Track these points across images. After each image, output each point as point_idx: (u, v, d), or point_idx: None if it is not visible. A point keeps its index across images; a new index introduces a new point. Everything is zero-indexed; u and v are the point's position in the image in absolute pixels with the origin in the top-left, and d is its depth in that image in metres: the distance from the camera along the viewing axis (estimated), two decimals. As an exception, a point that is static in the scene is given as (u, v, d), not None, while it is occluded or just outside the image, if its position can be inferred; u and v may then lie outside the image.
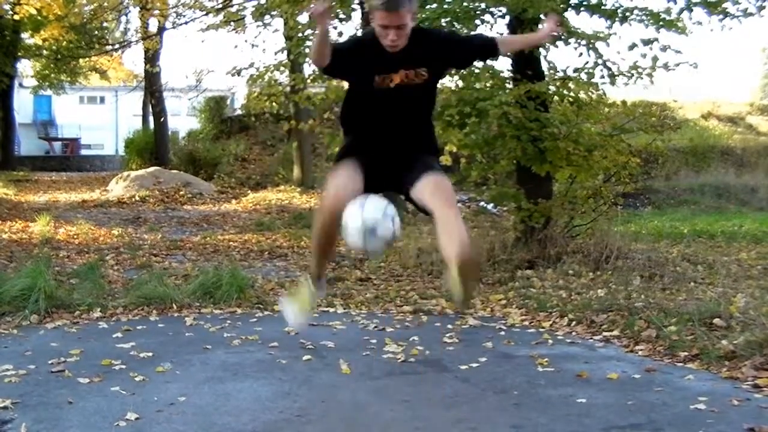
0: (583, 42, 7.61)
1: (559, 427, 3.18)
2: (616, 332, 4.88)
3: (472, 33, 3.65)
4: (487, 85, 7.59)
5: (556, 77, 7.89)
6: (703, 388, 3.70)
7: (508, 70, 7.97)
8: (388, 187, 3.39)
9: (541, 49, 7.73)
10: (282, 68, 9.52)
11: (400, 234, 3.10)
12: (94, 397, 3.54)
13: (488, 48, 3.55)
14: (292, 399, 3.57)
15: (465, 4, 7.57)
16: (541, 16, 7.44)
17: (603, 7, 7.79)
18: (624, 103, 8.28)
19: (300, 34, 8.56)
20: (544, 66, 7.93)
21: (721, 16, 7.70)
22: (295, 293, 3.59)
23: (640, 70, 7.55)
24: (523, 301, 5.95)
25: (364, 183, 3.28)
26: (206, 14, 17.28)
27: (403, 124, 3.38)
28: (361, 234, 3.06)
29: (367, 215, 3.05)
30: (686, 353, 4.27)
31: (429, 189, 3.18)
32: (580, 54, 7.74)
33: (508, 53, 3.59)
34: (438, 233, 3.14)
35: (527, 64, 7.70)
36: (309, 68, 9.35)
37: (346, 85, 3.65)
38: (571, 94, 7.81)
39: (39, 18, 19.14)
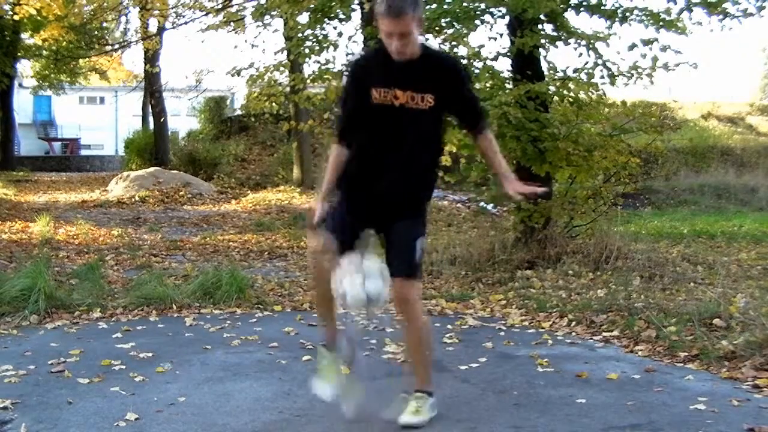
0: (583, 42, 7.61)
1: (558, 428, 3.17)
2: (615, 332, 4.88)
3: (479, 103, 3.46)
4: (487, 85, 7.58)
5: (556, 77, 7.89)
6: (702, 388, 3.70)
7: (508, 71, 7.97)
8: (369, 225, 3.24)
9: (540, 50, 7.74)
10: (282, 68, 9.52)
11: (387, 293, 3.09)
12: (94, 398, 3.54)
13: (474, 129, 3.35)
14: (292, 399, 3.57)
15: (465, 4, 7.57)
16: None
17: (603, 7, 7.78)
18: (624, 103, 8.28)
19: (300, 34, 8.56)
20: (544, 66, 7.93)
21: (721, 17, 7.69)
22: (319, 369, 3.39)
23: (640, 70, 7.55)
24: (522, 302, 5.94)
25: (350, 225, 3.20)
26: (206, 14, 17.32)
27: (402, 155, 3.17)
28: (364, 303, 3.04)
29: (370, 287, 3.00)
30: (686, 353, 4.27)
31: (396, 294, 3.14)
32: (580, 54, 7.75)
33: (479, 149, 3.47)
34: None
35: (527, 64, 7.70)
36: (309, 68, 9.36)
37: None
38: (571, 94, 7.81)
39: (39, 18, 19.14)
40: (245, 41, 32.33)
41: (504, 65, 8.14)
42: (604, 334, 4.91)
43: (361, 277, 3.00)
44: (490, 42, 9.75)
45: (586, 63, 7.64)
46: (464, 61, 7.66)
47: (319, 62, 8.56)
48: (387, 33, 3.04)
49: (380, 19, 3.02)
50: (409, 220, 3.23)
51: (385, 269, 3.08)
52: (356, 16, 9.21)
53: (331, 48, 8.45)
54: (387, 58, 3.13)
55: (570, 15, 7.83)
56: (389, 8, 2.98)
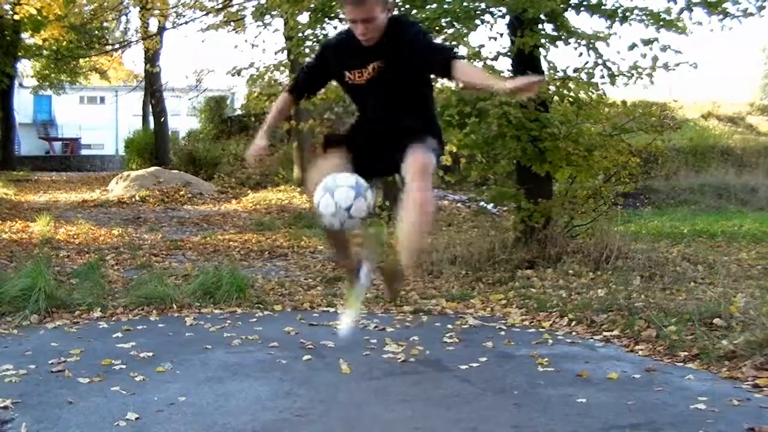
0: (583, 42, 7.61)
1: (559, 427, 3.17)
2: (616, 332, 4.88)
3: (445, 44, 3.57)
4: (488, 85, 7.57)
5: (556, 77, 7.89)
6: (703, 388, 3.70)
7: (508, 71, 7.97)
8: (379, 173, 3.49)
9: (541, 49, 7.74)
10: (282, 68, 9.51)
11: (374, 204, 3.17)
12: (94, 397, 3.53)
13: (445, 70, 3.26)
14: (292, 399, 3.57)
15: (465, 4, 7.56)
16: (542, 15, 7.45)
17: (603, 7, 7.78)
18: (624, 103, 8.28)
19: (300, 34, 8.56)
20: (544, 66, 7.93)
21: (721, 16, 7.70)
22: (346, 300, 3.53)
23: (640, 70, 7.55)
24: (523, 301, 5.94)
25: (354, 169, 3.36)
26: (206, 14, 17.31)
27: (387, 117, 3.42)
28: (337, 218, 3.14)
29: (339, 198, 3.10)
30: (686, 353, 4.27)
31: (407, 164, 3.24)
32: (580, 54, 7.75)
33: (461, 83, 3.51)
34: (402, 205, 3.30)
35: (527, 64, 7.70)
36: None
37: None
38: (571, 94, 7.81)
39: (39, 18, 19.13)
40: (245, 41, 32.26)
41: (504, 65, 8.16)
42: (605, 333, 4.91)
43: (333, 205, 3.11)
44: (490, 42, 9.75)
45: (586, 63, 7.65)
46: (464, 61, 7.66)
47: (319, 62, 8.55)
48: (351, 19, 3.21)
49: (344, 6, 3.21)
50: (415, 140, 3.29)
51: (358, 180, 3.16)
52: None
53: (332, 48, 8.44)
54: (358, 42, 3.29)
55: (570, 15, 7.84)
56: None
